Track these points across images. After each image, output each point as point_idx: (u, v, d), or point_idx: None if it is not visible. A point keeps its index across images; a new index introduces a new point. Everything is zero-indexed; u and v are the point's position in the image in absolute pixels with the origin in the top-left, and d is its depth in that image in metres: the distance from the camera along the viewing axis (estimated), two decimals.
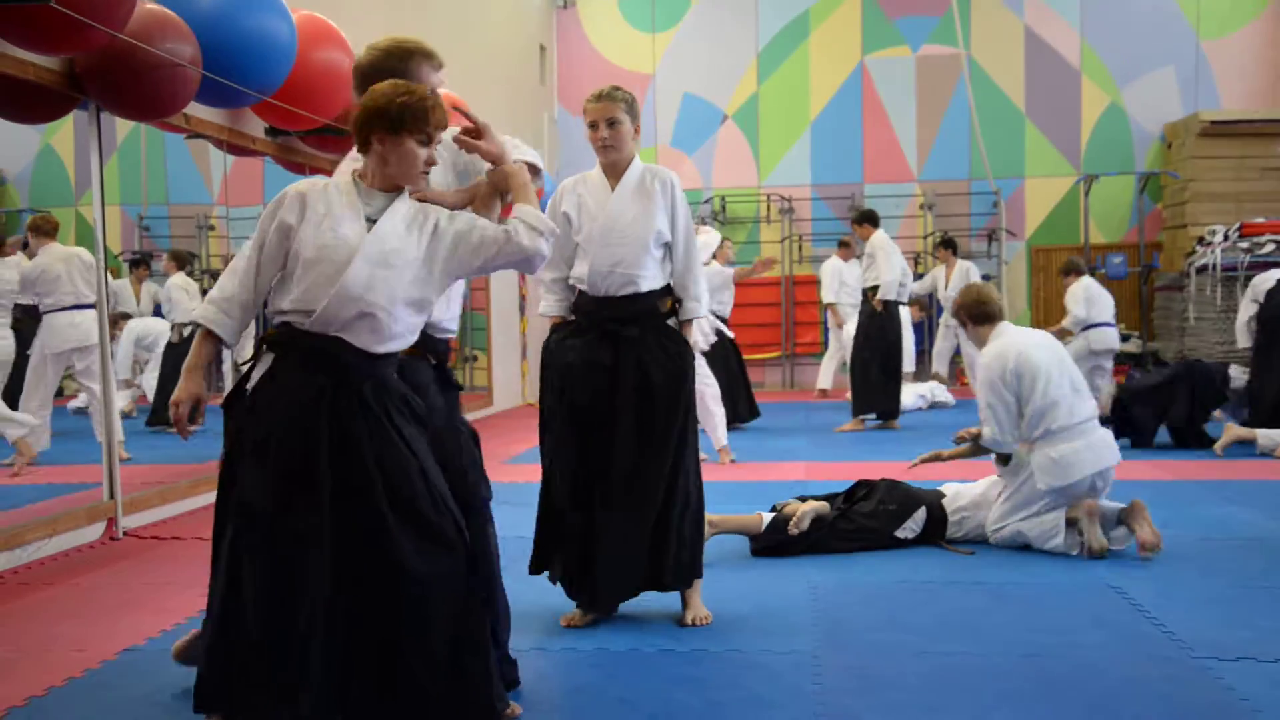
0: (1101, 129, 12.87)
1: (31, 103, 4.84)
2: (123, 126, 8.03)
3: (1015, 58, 12.99)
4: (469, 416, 3.04)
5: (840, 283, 11.06)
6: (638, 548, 3.64)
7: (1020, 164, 13.01)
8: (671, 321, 3.75)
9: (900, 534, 4.77)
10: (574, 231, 3.73)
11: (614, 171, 3.71)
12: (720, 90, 13.39)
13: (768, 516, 4.74)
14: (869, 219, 9.10)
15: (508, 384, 11.58)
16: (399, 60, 2.86)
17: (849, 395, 9.42)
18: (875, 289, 8.94)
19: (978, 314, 4.94)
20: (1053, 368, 4.71)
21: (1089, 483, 4.63)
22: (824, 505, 4.80)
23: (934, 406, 10.58)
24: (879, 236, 8.97)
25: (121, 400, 8.10)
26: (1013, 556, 4.61)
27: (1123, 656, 3.31)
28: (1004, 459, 4.78)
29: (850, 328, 11.01)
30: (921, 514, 4.80)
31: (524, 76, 12.68)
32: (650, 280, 3.68)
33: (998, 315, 4.94)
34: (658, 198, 3.68)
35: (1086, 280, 9.46)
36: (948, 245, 11.13)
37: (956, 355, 11.53)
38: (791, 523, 4.67)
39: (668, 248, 3.73)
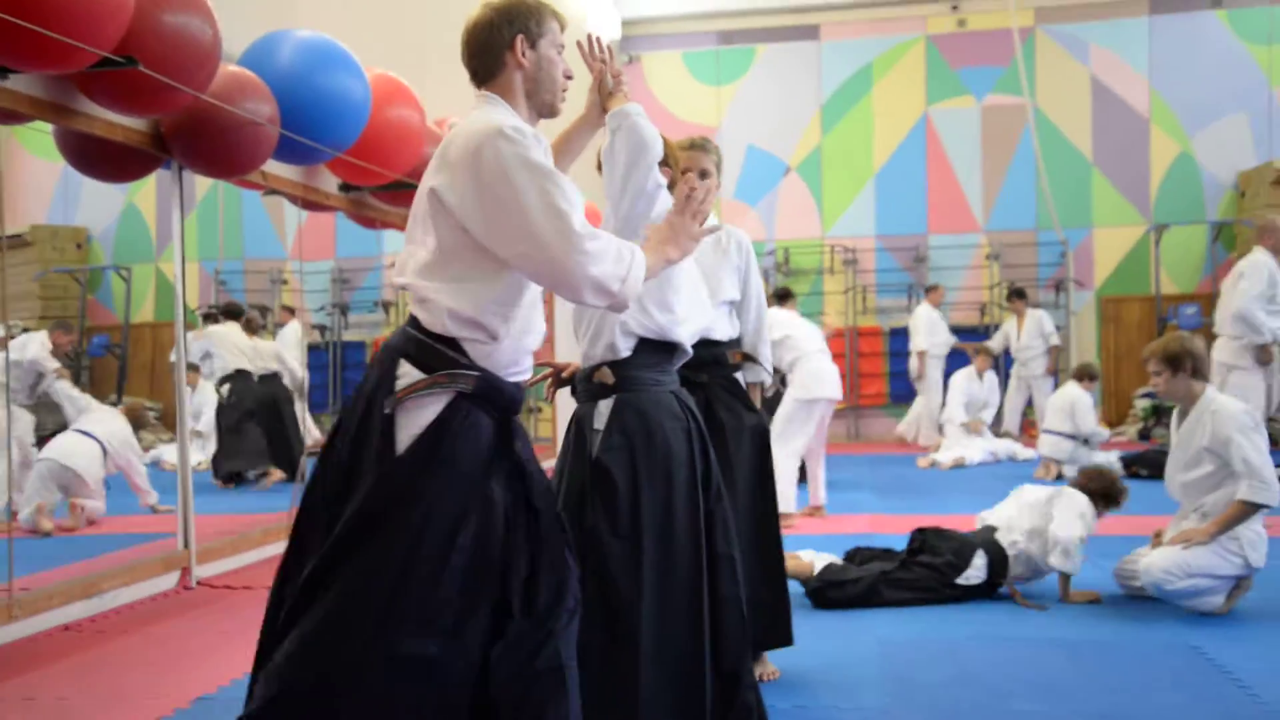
0: (1172, 177, 12.68)
1: (120, 163, 5.02)
2: (202, 184, 8.28)
3: (1082, 106, 12.88)
4: None
5: (932, 329, 11.12)
6: None
7: (1088, 213, 12.85)
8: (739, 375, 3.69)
9: (963, 581, 4.68)
10: None
11: None
12: (784, 142, 13.44)
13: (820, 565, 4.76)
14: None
15: None
16: None
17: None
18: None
19: (1203, 367, 4.53)
20: None
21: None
22: (829, 556, 4.83)
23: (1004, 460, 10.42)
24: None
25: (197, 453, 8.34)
26: (1088, 613, 4.50)
27: (1204, 719, 3.21)
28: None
29: (935, 376, 11.07)
30: (981, 558, 4.70)
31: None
32: (720, 331, 3.62)
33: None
34: (732, 256, 3.66)
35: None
36: (1020, 295, 11.01)
37: (1027, 408, 11.35)
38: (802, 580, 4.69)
39: (734, 305, 3.72)
